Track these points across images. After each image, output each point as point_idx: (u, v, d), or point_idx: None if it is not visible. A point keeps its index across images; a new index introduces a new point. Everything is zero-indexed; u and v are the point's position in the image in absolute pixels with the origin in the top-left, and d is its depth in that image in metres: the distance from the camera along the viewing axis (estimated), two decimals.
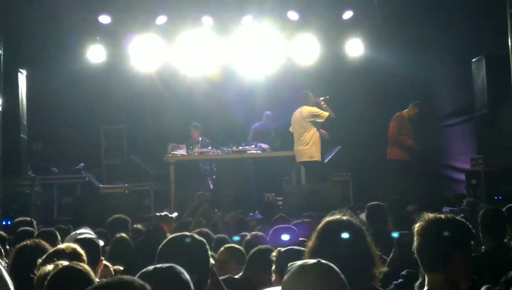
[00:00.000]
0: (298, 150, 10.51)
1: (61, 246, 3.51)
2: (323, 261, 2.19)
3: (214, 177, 12.09)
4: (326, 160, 11.35)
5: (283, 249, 3.33)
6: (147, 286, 1.81)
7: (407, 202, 7.53)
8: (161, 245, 2.81)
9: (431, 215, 2.76)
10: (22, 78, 11.31)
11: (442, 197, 9.71)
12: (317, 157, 10.40)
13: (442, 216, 2.77)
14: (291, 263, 2.22)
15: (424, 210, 3.04)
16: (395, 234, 4.17)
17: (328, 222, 2.94)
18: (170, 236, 2.85)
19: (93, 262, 3.63)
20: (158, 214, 3.99)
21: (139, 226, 6.81)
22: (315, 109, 10.54)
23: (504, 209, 5.12)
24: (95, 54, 12.17)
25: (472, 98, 10.49)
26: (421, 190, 9.44)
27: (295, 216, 7.38)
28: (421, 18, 11.67)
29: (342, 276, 2.15)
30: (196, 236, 2.80)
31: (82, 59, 12.12)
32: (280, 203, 10.24)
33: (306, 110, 10.53)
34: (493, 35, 9.78)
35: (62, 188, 11.41)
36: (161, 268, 2.14)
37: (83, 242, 3.93)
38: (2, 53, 10.15)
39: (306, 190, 10.00)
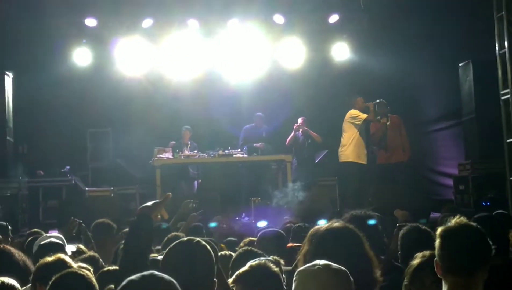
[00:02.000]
0: (338, 151, 10.71)
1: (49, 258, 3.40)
2: (333, 264, 2.21)
3: (198, 181, 12.04)
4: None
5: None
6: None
7: (394, 208, 7.53)
8: (165, 253, 2.77)
9: (464, 220, 2.78)
10: (8, 80, 11.20)
11: (430, 203, 9.73)
12: (352, 158, 10.49)
13: (473, 223, 2.81)
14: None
15: (412, 215, 3.05)
16: (371, 221, 4.08)
17: (323, 229, 2.90)
18: (175, 243, 2.79)
19: None
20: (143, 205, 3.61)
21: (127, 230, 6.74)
22: (354, 112, 10.66)
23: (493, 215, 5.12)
24: (81, 57, 12.12)
25: (459, 103, 10.54)
26: (409, 195, 9.45)
27: (279, 221, 7.38)
28: (407, 22, 11.72)
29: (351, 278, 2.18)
30: (201, 240, 2.77)
31: (68, 62, 12.07)
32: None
33: (348, 112, 10.71)
34: (480, 40, 9.82)
35: (47, 191, 11.31)
36: (145, 276, 2.05)
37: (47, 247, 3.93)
38: None
39: (292, 195, 9.99)
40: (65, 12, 11.51)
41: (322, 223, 3.06)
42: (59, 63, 11.96)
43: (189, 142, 11.58)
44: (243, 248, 3.96)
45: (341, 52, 12.69)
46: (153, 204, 2.93)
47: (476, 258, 2.70)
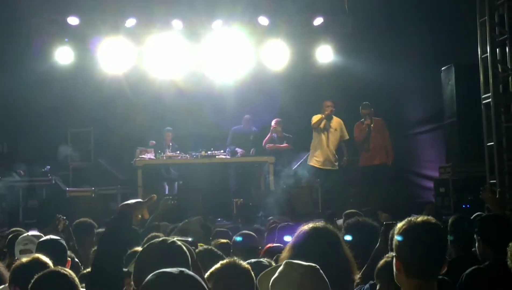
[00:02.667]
0: None
1: (24, 259, 3.36)
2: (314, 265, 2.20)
3: (179, 182, 11.98)
4: (295, 166, 11.36)
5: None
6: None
7: (376, 209, 7.56)
8: (140, 252, 2.72)
9: (419, 219, 2.60)
10: None
11: (411, 205, 9.76)
12: (311, 162, 11.00)
13: (431, 219, 2.63)
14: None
15: (394, 217, 3.04)
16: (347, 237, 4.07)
17: (304, 230, 2.90)
18: (149, 243, 2.75)
19: (61, 263, 3.55)
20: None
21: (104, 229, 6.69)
22: (313, 117, 11.07)
23: (472, 218, 5.15)
24: (63, 56, 12.03)
25: (441, 106, 10.60)
26: (391, 197, 9.49)
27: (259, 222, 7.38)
28: (391, 26, 11.78)
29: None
30: (177, 242, 2.74)
31: (50, 61, 11.96)
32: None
33: None
34: (463, 44, 9.90)
35: (28, 190, 11.19)
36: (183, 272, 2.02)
37: (48, 243, 3.85)
38: None
39: (274, 196, 9.99)
40: (47, 10, 11.44)
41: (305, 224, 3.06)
42: (40, 61, 11.85)
43: (170, 144, 11.54)
44: (203, 247, 3.95)
45: (325, 54, 12.73)
46: (135, 203, 2.86)
47: (442, 257, 2.57)
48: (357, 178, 11.07)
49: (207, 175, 11.41)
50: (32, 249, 4.31)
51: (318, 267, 2.27)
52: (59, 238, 4.41)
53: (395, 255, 2.53)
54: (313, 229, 2.91)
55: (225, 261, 3.07)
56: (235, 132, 11.69)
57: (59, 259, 3.61)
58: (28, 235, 4.51)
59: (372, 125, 10.79)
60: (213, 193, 11.34)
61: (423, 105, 12.03)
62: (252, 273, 3.01)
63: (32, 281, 2.77)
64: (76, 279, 2.86)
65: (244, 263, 3.07)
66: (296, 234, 2.95)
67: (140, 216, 2.89)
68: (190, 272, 2.02)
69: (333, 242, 2.86)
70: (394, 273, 2.52)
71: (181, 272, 1.99)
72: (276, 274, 2.26)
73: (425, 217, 2.63)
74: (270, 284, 2.26)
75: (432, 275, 2.51)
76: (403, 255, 2.48)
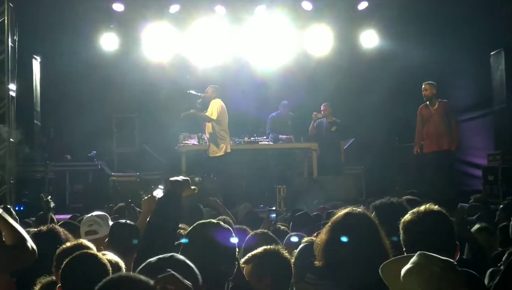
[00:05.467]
0: None
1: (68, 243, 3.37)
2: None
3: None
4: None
5: None
6: (151, 282, 1.78)
7: (423, 198, 7.37)
8: (186, 234, 2.74)
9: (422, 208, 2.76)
10: (36, 64, 11.32)
11: (458, 193, 9.55)
12: None
13: (432, 207, 2.77)
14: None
15: (440, 205, 2.96)
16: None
17: (341, 216, 2.87)
18: (195, 224, 2.75)
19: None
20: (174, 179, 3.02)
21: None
22: None
23: None
24: (108, 42, 12.14)
25: (490, 92, 10.31)
26: (437, 185, 9.23)
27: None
28: (438, 9, 11.49)
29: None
30: (222, 224, 2.73)
31: (95, 47, 12.10)
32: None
33: None
34: None
35: (74, 175, 11.40)
36: (164, 258, 2.09)
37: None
38: (17, 39, 10.14)
39: (317, 183, 9.92)
40: None
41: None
42: (86, 47, 11.99)
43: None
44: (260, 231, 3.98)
45: (370, 39, 12.51)
46: (184, 180, 2.90)
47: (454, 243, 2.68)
48: (404, 165, 10.84)
49: (248, 162, 11.41)
50: (98, 229, 4.31)
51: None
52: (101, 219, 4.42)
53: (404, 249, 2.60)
54: (348, 214, 2.85)
55: (268, 247, 3.12)
56: (273, 119, 11.65)
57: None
58: (92, 215, 4.49)
59: (435, 107, 9.71)
60: (255, 179, 11.33)
61: (471, 90, 11.72)
62: (291, 263, 3.10)
63: (63, 264, 2.77)
64: (106, 261, 2.83)
65: (286, 253, 3.13)
66: (333, 218, 2.90)
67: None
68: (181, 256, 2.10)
69: (369, 228, 2.80)
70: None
71: (172, 256, 2.08)
72: (410, 265, 2.12)
73: (430, 206, 2.72)
74: (402, 274, 2.12)
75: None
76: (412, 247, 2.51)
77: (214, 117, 10.02)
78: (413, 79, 11.32)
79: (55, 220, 6.04)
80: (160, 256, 2.09)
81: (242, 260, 3.06)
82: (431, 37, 11.63)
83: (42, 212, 5.87)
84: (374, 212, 3.32)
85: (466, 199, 8.28)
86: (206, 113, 10.05)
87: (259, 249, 3.10)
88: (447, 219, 2.86)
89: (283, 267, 3.08)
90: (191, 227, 2.75)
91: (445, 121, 9.59)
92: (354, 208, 2.92)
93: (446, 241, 2.78)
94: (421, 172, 10.23)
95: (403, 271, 2.12)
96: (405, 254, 2.50)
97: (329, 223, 2.89)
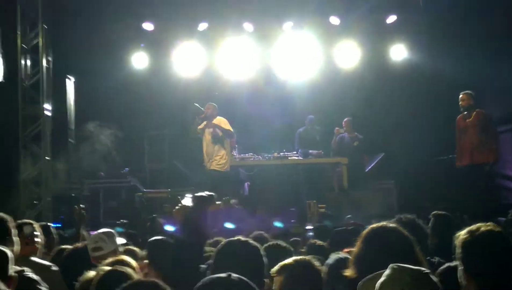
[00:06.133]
0: None
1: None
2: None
3: (248, 183, 12.02)
4: (368, 168, 11.23)
5: None
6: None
7: (458, 213, 7.30)
8: (217, 250, 2.79)
9: (482, 228, 2.67)
10: (70, 84, 11.59)
11: (496, 207, 9.34)
12: None
13: (494, 227, 2.68)
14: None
15: (478, 219, 2.95)
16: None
17: (374, 229, 2.89)
18: (225, 240, 2.81)
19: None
20: (199, 194, 3.21)
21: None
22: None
23: None
24: (139, 60, 12.36)
25: None
26: (471, 200, 9.01)
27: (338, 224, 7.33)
28: (468, 22, 11.42)
29: None
30: (251, 241, 2.79)
31: (126, 66, 12.33)
32: (322, 210, 10.17)
33: None
34: None
35: (108, 192, 11.57)
36: (221, 278, 2.08)
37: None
38: (52, 60, 10.43)
39: (348, 198, 9.93)
40: (123, 17, 11.78)
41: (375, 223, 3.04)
42: (118, 66, 12.22)
43: (236, 145, 11.66)
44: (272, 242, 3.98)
45: (399, 53, 12.49)
46: (209, 196, 2.95)
47: None
48: (435, 179, 10.72)
49: (277, 177, 11.46)
50: (103, 246, 4.47)
51: (428, 271, 2.24)
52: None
53: (462, 268, 2.49)
54: (381, 228, 2.86)
55: (299, 258, 3.11)
56: (300, 134, 11.71)
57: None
58: (98, 233, 4.65)
59: (470, 119, 9.43)
60: (284, 194, 11.37)
61: (503, 103, 11.58)
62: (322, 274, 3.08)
63: (95, 281, 2.82)
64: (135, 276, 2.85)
65: (317, 264, 3.11)
66: (365, 231, 2.92)
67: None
68: (238, 276, 2.07)
69: (404, 242, 2.82)
70: (462, 285, 2.51)
71: (229, 275, 2.05)
72: (383, 278, 2.20)
73: (488, 226, 2.62)
74: (376, 288, 2.21)
75: (507, 287, 2.49)
76: (473, 269, 2.45)
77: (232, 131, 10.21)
78: (442, 93, 11.27)
79: (86, 235, 6.21)
80: (216, 276, 2.09)
81: (273, 269, 3.05)
82: (461, 50, 11.54)
83: (74, 229, 6.07)
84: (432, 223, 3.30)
85: (505, 213, 8.19)
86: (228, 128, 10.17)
87: (290, 260, 3.08)
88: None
89: (314, 279, 3.05)
90: (220, 244, 2.83)
91: (480, 133, 9.35)
92: (387, 223, 2.94)
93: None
94: (454, 186, 10.11)
95: (377, 285, 2.20)
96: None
97: (362, 236, 2.90)
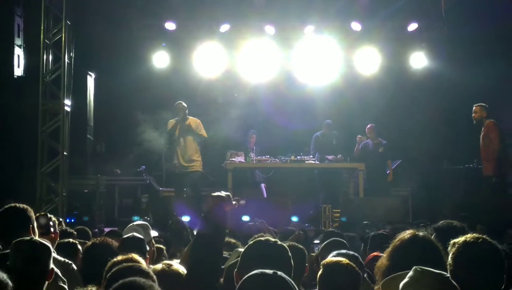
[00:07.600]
0: None
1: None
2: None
3: (264, 185, 12.02)
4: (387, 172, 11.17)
5: None
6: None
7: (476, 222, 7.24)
8: (244, 249, 2.77)
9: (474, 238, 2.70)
10: (91, 80, 11.67)
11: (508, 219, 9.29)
12: None
13: (485, 238, 2.70)
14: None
15: (490, 231, 2.92)
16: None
17: (405, 239, 2.85)
18: (253, 241, 2.80)
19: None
20: (216, 194, 3.08)
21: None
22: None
23: None
24: (160, 59, 12.40)
25: None
26: (486, 210, 9.00)
27: (352, 229, 7.29)
28: (489, 30, 11.36)
29: None
30: (278, 241, 2.77)
31: (147, 64, 12.37)
32: (336, 215, 10.15)
33: None
34: None
35: (123, 189, 11.63)
36: (279, 274, 2.07)
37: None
38: (73, 56, 10.50)
39: (363, 204, 9.89)
40: (146, 16, 11.87)
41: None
42: (139, 65, 12.27)
43: (254, 147, 11.68)
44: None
45: (419, 60, 12.46)
46: (226, 195, 2.95)
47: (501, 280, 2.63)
48: (452, 187, 10.66)
49: (293, 180, 11.45)
50: None
51: (448, 275, 2.28)
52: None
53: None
54: (414, 238, 2.83)
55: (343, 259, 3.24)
56: (317, 138, 11.69)
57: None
58: (133, 224, 4.64)
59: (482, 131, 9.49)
60: (299, 198, 11.35)
61: None
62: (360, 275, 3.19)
63: (108, 274, 2.82)
64: (153, 275, 2.82)
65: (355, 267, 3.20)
66: (395, 241, 2.88)
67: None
68: (283, 274, 2.07)
69: (435, 253, 2.78)
70: None
71: (275, 273, 2.06)
72: (407, 279, 2.25)
73: (479, 236, 2.66)
74: (400, 288, 2.26)
75: None
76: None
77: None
78: (462, 101, 11.20)
79: (90, 233, 6.26)
80: (261, 271, 2.07)
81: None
82: (482, 58, 11.48)
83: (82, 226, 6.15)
84: (434, 234, 3.32)
85: None
86: (201, 133, 10.39)
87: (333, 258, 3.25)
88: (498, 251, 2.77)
89: (354, 280, 3.16)
90: (247, 244, 2.81)
91: (488, 145, 9.41)
92: (417, 232, 2.90)
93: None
94: (471, 195, 10.05)
95: (400, 285, 2.26)
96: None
97: (392, 247, 2.87)
